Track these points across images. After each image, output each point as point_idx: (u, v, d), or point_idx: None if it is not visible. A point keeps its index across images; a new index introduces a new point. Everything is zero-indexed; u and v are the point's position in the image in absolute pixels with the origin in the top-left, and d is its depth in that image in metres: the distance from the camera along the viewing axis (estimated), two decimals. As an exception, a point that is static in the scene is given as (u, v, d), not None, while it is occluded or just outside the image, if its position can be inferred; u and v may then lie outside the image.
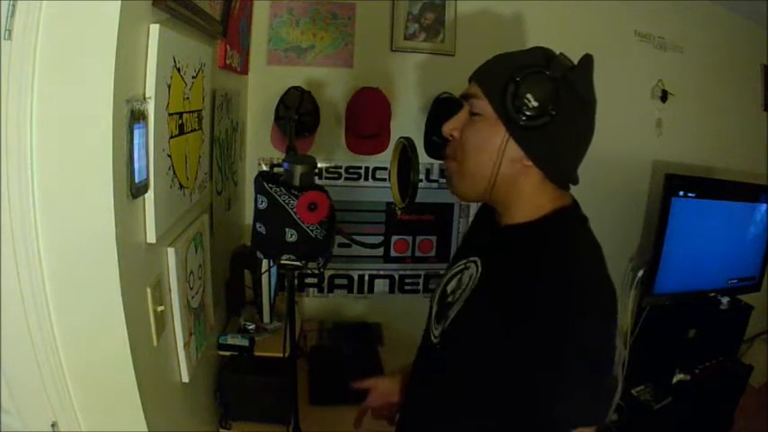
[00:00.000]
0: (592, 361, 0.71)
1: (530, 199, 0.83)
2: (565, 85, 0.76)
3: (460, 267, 0.91)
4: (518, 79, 0.76)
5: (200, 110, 1.25)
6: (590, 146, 0.84)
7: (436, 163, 2.13)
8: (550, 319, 0.71)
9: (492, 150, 0.80)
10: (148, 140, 0.91)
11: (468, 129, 0.83)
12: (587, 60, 0.80)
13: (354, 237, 1.14)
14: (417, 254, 2.26)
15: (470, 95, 0.83)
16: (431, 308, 0.96)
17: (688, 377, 2.30)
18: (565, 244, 0.79)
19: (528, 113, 0.76)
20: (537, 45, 0.84)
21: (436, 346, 0.89)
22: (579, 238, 0.81)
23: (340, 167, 2.12)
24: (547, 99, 0.75)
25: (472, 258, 0.89)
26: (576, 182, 0.85)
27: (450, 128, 0.86)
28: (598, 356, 0.72)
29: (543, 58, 0.79)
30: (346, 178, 2.13)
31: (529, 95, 0.75)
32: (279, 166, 1.07)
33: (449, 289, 0.91)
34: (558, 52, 0.81)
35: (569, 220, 0.83)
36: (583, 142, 0.82)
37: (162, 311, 1.03)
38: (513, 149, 0.79)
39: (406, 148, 0.97)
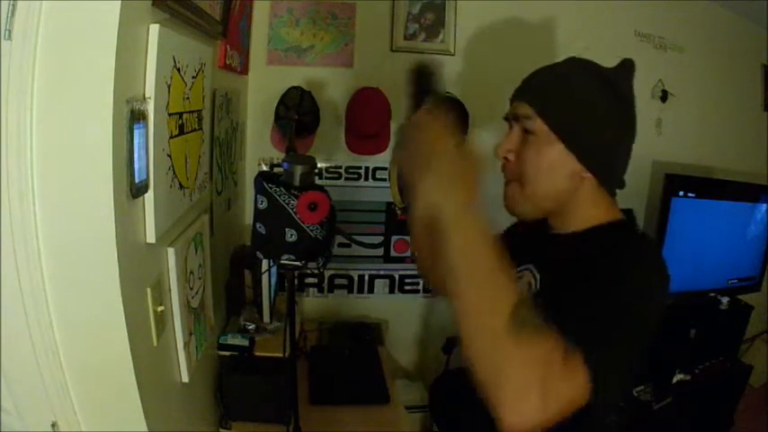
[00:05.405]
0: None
1: (587, 208, 0.85)
2: (614, 94, 0.78)
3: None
4: (575, 96, 0.78)
5: (201, 110, 1.25)
6: None
7: (436, 163, 2.12)
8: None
9: (554, 168, 0.81)
10: (148, 140, 0.91)
11: (526, 149, 0.83)
12: (630, 64, 0.82)
13: (354, 237, 1.14)
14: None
15: (521, 116, 0.83)
16: None
17: (688, 377, 2.30)
18: (629, 245, 0.82)
19: (587, 128, 0.77)
20: (572, 55, 0.86)
21: None
22: (642, 241, 0.85)
23: (340, 167, 2.12)
24: (603, 113, 0.77)
25: (525, 266, 0.90)
26: (623, 186, 0.88)
27: (504, 150, 0.86)
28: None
29: (588, 71, 0.80)
30: (346, 178, 2.13)
31: (587, 111, 0.77)
32: (279, 166, 1.07)
33: None
34: (591, 60, 0.82)
35: (629, 228, 0.87)
36: (631, 145, 0.85)
37: (162, 311, 1.03)
38: (573, 163, 0.81)
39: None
